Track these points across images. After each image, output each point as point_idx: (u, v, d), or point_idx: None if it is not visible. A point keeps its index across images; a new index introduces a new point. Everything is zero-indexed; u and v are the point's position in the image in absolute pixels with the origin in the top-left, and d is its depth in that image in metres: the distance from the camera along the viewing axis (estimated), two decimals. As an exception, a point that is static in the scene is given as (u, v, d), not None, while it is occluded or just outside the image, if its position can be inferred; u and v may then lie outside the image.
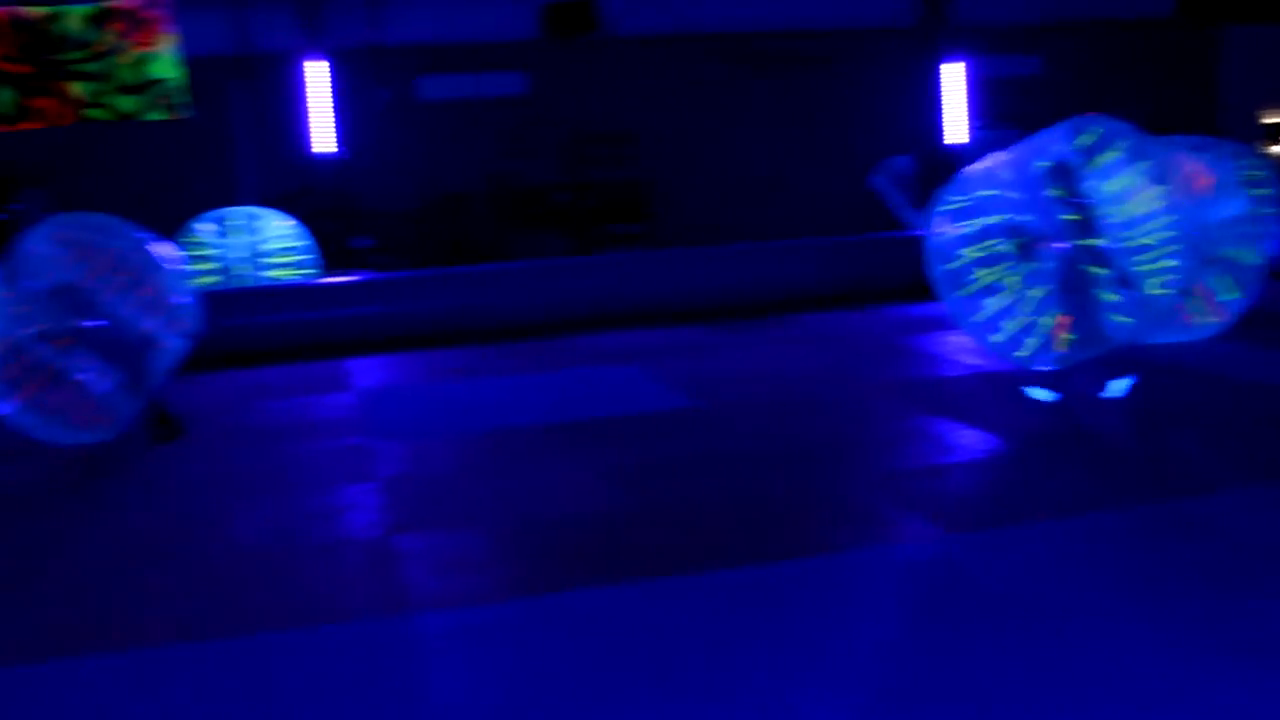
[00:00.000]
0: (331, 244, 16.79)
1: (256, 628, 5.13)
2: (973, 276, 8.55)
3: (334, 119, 17.79)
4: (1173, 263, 7.78)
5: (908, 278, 14.80)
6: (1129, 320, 7.96)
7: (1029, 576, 5.11)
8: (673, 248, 16.19)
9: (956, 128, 18.33)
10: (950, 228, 8.67)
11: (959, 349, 10.75)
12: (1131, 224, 7.89)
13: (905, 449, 7.56)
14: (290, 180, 18.27)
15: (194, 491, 7.68)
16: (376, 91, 18.52)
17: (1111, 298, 7.98)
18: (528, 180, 19.91)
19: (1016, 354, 8.45)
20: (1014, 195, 8.34)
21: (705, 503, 6.61)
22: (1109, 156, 8.01)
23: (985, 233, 8.51)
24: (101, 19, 16.99)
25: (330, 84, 17.77)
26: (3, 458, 8.79)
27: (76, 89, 17.11)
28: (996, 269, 8.49)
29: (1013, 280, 8.43)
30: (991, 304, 8.51)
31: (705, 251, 15.05)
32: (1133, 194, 7.89)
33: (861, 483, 6.76)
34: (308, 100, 17.65)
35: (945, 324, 12.20)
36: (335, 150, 17.85)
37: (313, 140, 17.71)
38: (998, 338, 8.53)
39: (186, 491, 7.71)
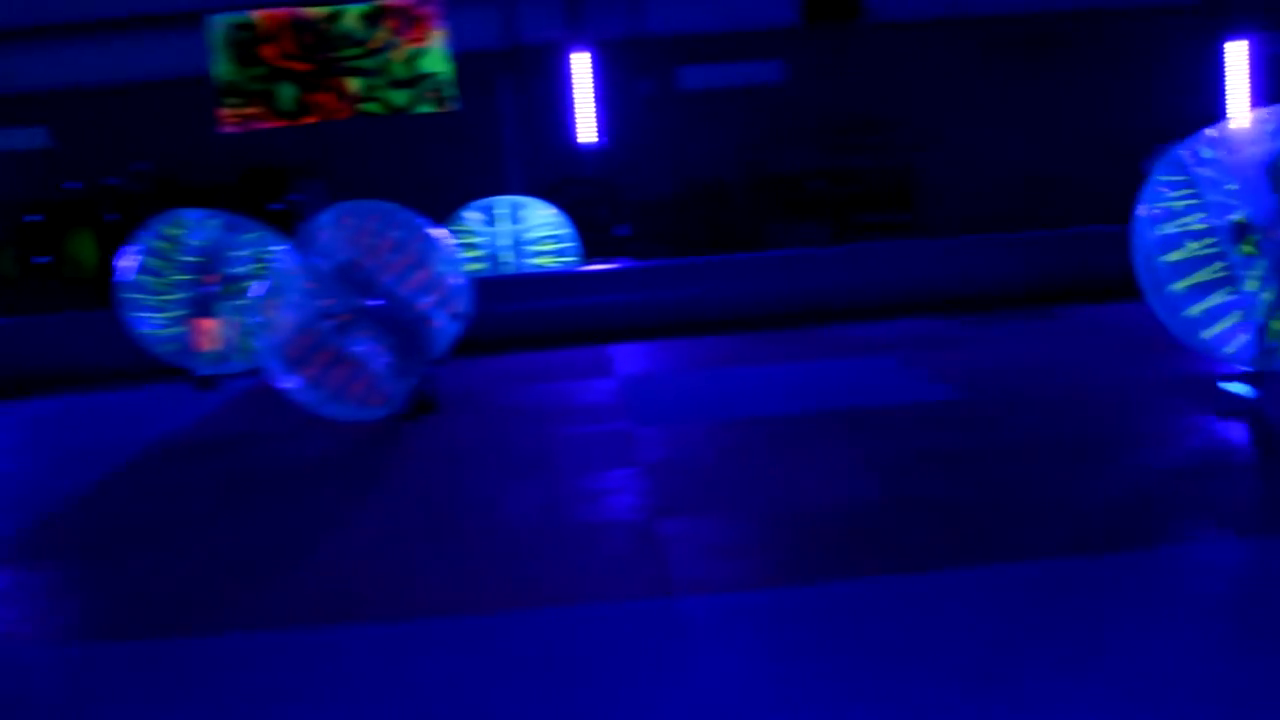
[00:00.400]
0: (592, 232, 17.09)
1: (522, 604, 5.27)
2: (1188, 271, 7.97)
3: (596, 109, 18.12)
4: None
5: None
6: None
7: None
8: (930, 237, 15.89)
9: (1238, 111, 17.43)
10: (1166, 220, 8.10)
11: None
12: None
13: (1182, 447, 7.22)
14: (554, 170, 18.68)
15: (464, 469, 7.92)
16: (638, 82, 18.73)
17: None
18: (785, 168, 19.84)
19: (1226, 350, 7.94)
20: (1234, 185, 7.78)
21: (969, 497, 6.46)
22: None
23: (1208, 228, 7.90)
24: (377, 17, 17.71)
25: (593, 75, 18.10)
26: (282, 434, 9.23)
27: (352, 84, 17.88)
28: (1216, 266, 7.91)
29: (1232, 276, 7.84)
30: (1209, 301, 7.94)
31: (962, 241, 14.71)
32: None
33: (1135, 481, 6.50)
34: (572, 91, 18.02)
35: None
36: (597, 140, 18.18)
37: (576, 130, 18.08)
38: (1209, 334, 7.98)
39: (457, 469, 7.96)
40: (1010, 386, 9.29)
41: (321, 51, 17.83)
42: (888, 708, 4.02)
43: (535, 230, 15.68)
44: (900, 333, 12.38)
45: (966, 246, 14.43)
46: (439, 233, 9.54)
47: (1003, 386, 9.29)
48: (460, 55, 17.65)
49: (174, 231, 11.67)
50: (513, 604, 5.26)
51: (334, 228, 9.22)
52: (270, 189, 18.67)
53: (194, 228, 11.68)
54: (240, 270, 11.43)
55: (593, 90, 18.28)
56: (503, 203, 15.91)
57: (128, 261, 11.58)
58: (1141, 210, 8.24)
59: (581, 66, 18.16)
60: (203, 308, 11.51)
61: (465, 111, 17.92)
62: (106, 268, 18.75)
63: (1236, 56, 17.41)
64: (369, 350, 9.12)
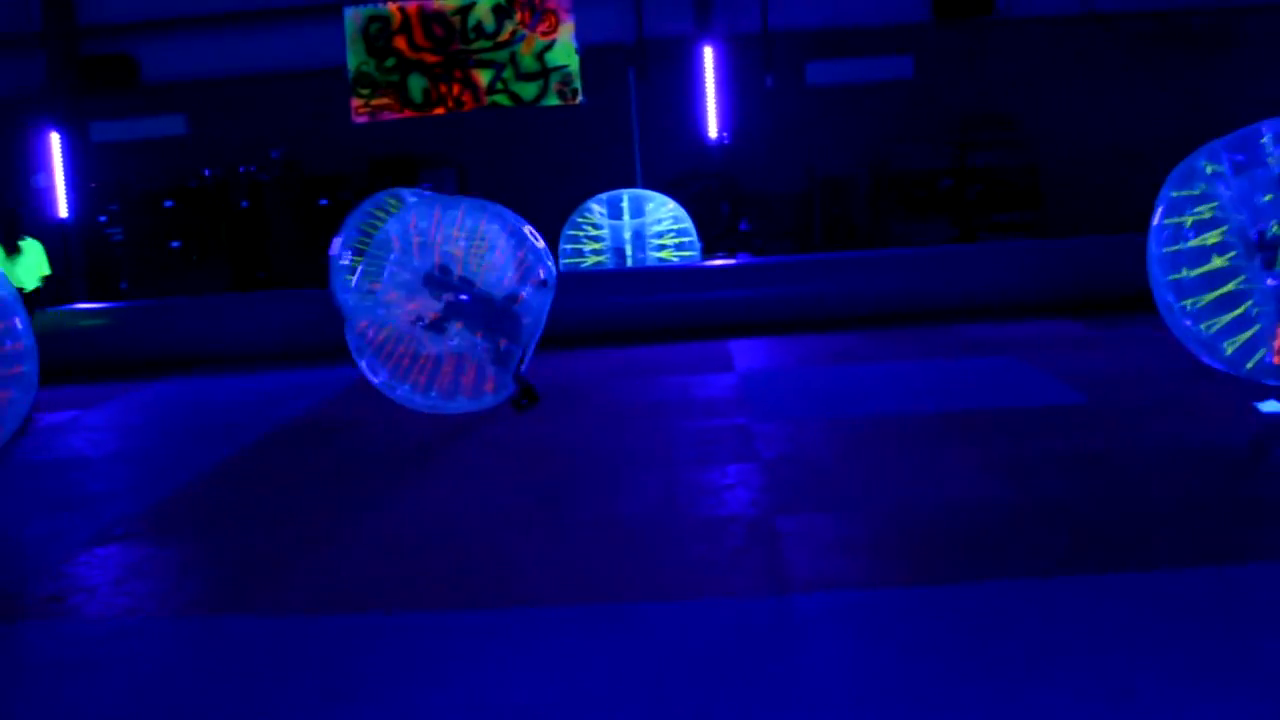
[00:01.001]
0: (715, 227, 17.09)
1: (638, 596, 5.29)
2: (1208, 285, 7.79)
3: (722, 104, 18.12)
4: None
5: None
6: None
7: None
8: (1058, 237, 15.61)
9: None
10: (1184, 233, 7.88)
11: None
12: None
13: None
14: (679, 164, 18.70)
15: (585, 460, 7.99)
16: (765, 77, 18.67)
17: None
18: (911, 165, 19.63)
19: (1247, 366, 7.75)
20: (1268, 198, 7.63)
21: (1093, 501, 6.35)
22: None
23: (1224, 242, 7.75)
24: (507, 9, 17.87)
25: (720, 69, 18.09)
26: (387, 421, 9.36)
27: (481, 77, 18.07)
28: (1237, 280, 7.74)
29: (1250, 291, 7.71)
30: (1230, 315, 7.75)
31: (1090, 241, 14.43)
32: None
33: (1268, 490, 6.34)
34: (699, 85, 18.04)
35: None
36: (722, 135, 18.17)
37: (702, 125, 18.10)
38: (1230, 347, 7.77)
39: (576, 459, 8.03)
40: (1136, 391, 9.10)
41: (452, 43, 18.05)
42: (1003, 712, 3.98)
43: (658, 224, 15.72)
44: (1027, 334, 12.19)
45: (1094, 247, 14.15)
46: (497, 207, 9.35)
47: (1128, 391, 9.10)
48: (588, 49, 17.76)
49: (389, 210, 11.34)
50: (626, 597, 5.29)
51: (405, 234, 9.21)
52: (398, 179, 18.95)
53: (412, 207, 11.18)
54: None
55: (719, 85, 18.27)
56: (626, 196, 15.97)
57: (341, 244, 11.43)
58: (1156, 222, 8.00)
59: (708, 61, 18.16)
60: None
61: (592, 105, 18.03)
62: (241, 254, 19.24)
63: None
64: (467, 343, 9.20)
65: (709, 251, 16.12)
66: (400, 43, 18.06)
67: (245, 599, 5.60)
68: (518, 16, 17.82)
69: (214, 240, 19.25)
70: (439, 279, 9.17)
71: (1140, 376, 9.62)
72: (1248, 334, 7.72)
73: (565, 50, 17.82)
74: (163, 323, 14.22)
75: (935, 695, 4.13)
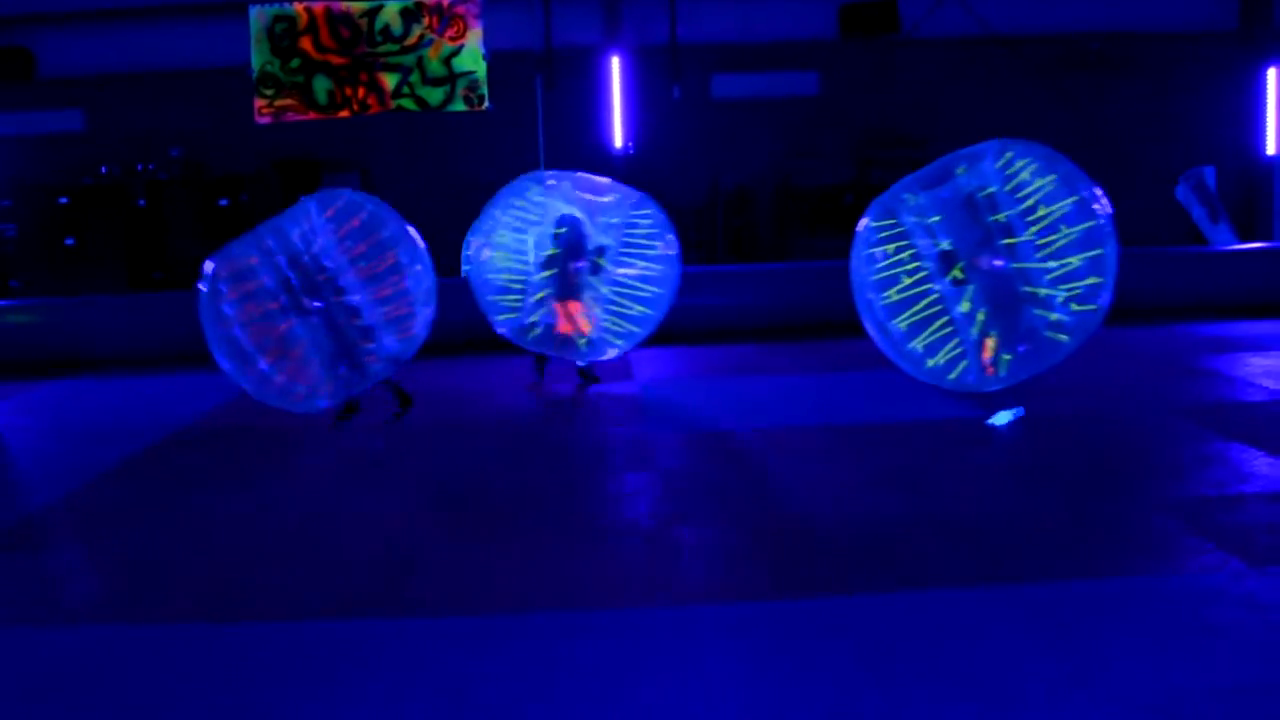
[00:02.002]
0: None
1: (533, 606, 5.28)
2: (907, 307, 8.47)
3: (628, 115, 18.15)
4: (1096, 279, 7.98)
5: (1205, 295, 14.20)
6: (1066, 338, 8.10)
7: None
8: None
9: (1268, 137, 17.47)
10: (876, 254, 8.57)
11: (1259, 372, 10.19)
12: (1052, 244, 8.10)
13: (1198, 475, 7.16)
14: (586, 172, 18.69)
15: (483, 468, 7.95)
16: (671, 89, 18.74)
17: (1053, 317, 8.09)
18: (814, 180, 19.81)
19: (950, 378, 8.41)
20: (936, 219, 8.36)
21: (983, 515, 6.46)
22: (1028, 177, 8.22)
23: (916, 258, 8.44)
24: (415, 13, 17.73)
25: (627, 80, 18.13)
26: (278, 430, 9.26)
27: (387, 80, 17.92)
28: (930, 299, 8.41)
29: (945, 306, 8.38)
30: (928, 332, 8.42)
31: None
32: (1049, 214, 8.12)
33: (1151, 506, 6.47)
34: (605, 95, 18.06)
35: (1243, 345, 11.63)
36: (627, 145, 18.21)
37: (607, 134, 18.12)
38: (932, 363, 8.43)
39: (473, 468, 7.99)
40: (1031, 406, 9.24)
41: (358, 46, 17.88)
42: (892, 724, 4.03)
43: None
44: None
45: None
46: (422, 249, 9.15)
47: (1024, 406, 9.25)
48: (496, 55, 17.67)
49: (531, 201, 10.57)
50: (520, 607, 5.27)
51: (318, 216, 9.03)
52: (301, 181, 18.74)
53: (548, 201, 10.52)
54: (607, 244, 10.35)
55: (625, 95, 18.30)
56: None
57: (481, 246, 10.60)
58: (857, 252, 8.65)
59: (615, 71, 18.19)
60: (568, 290, 10.35)
61: (498, 112, 17.95)
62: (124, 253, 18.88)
63: (1274, 84, 17.36)
64: (310, 347, 9.00)
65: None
66: (306, 43, 17.82)
67: (129, 607, 5.51)
68: (425, 21, 17.68)
69: (110, 239, 18.87)
70: (315, 278, 8.98)
71: (1035, 392, 9.77)
72: (949, 348, 8.37)
73: (473, 56, 17.70)
74: (54, 322, 13.92)
75: (828, 707, 4.17)
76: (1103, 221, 8.13)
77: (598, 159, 18.39)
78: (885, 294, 8.55)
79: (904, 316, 8.50)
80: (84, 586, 5.94)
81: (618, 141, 18.37)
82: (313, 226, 9.02)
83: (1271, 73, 17.98)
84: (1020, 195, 8.26)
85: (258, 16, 17.73)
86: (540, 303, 10.29)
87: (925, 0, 18.58)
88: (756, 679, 4.43)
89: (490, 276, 10.36)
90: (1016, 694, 4.17)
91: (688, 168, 19.40)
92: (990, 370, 8.36)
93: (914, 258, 8.49)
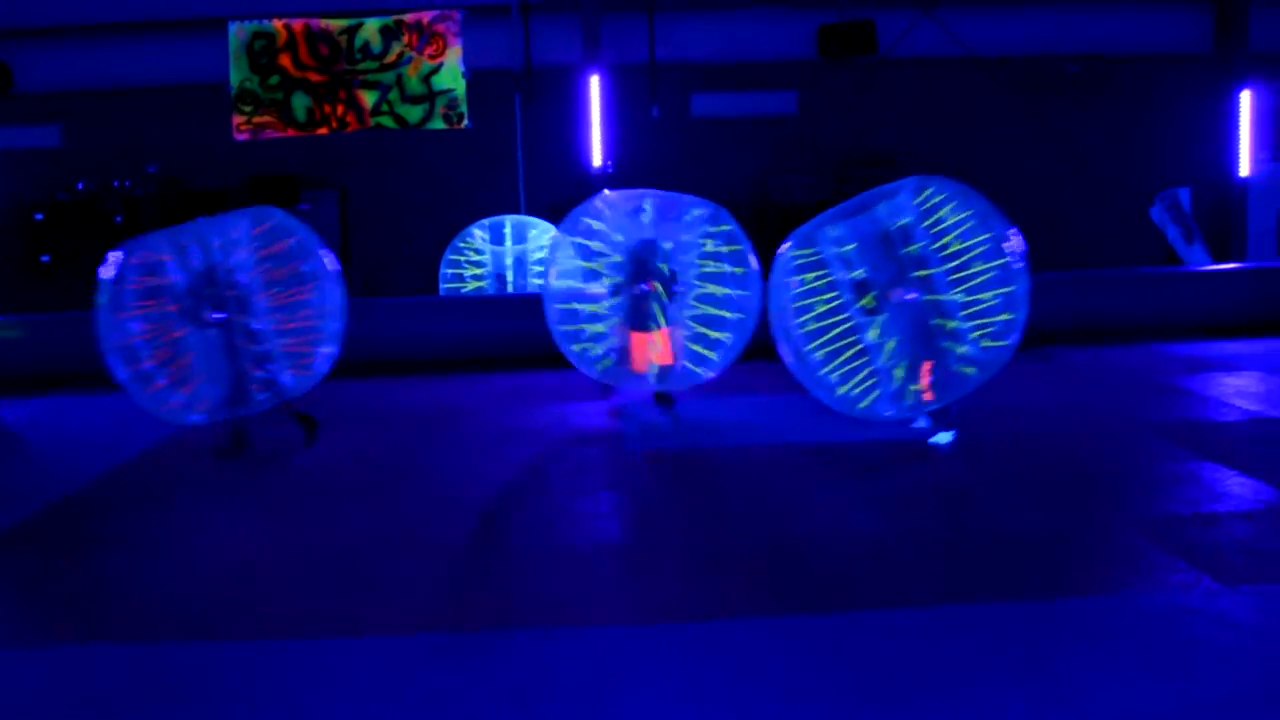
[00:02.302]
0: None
1: (506, 624, 5.27)
2: (817, 332, 8.66)
3: (607, 133, 18.18)
4: (1008, 315, 8.16)
5: (1179, 315, 14.27)
6: (973, 371, 8.31)
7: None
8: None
9: (1242, 158, 17.63)
10: (793, 281, 8.74)
11: (1232, 392, 10.25)
12: (967, 279, 8.31)
13: (1172, 493, 7.21)
14: (563, 191, 18.68)
15: (459, 486, 7.94)
16: (650, 107, 18.78)
17: (961, 349, 8.30)
18: (791, 199, 19.85)
19: (862, 405, 8.61)
20: (851, 248, 8.59)
21: (960, 534, 6.48)
22: (946, 213, 8.44)
23: (832, 288, 8.65)
24: (395, 31, 17.75)
25: (606, 99, 18.16)
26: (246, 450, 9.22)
27: (366, 98, 17.91)
28: (843, 325, 8.62)
29: (858, 334, 8.58)
30: (842, 359, 8.61)
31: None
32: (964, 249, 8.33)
33: (1125, 525, 6.50)
34: (585, 114, 18.08)
35: (1217, 365, 11.69)
36: (606, 164, 18.23)
37: (586, 153, 18.14)
38: (845, 390, 8.62)
39: (450, 486, 7.97)
40: (1001, 425, 9.30)
41: (337, 63, 17.88)
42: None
43: (539, 251, 15.69)
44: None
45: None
46: (338, 289, 8.89)
47: (998, 426, 9.29)
48: (475, 73, 17.70)
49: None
50: (494, 624, 5.26)
51: (243, 231, 8.87)
52: (278, 198, 18.69)
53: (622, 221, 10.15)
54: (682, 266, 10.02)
55: (605, 114, 18.33)
56: (509, 222, 15.94)
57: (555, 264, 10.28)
58: (775, 279, 8.82)
59: (595, 90, 18.22)
60: (640, 316, 9.98)
61: (477, 130, 17.96)
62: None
63: (1247, 106, 17.52)
64: (199, 359, 8.83)
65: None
66: (285, 60, 17.83)
67: (94, 627, 5.48)
68: (405, 39, 17.70)
69: (86, 255, 18.76)
70: (217, 291, 8.84)
71: (1010, 412, 9.82)
72: (861, 377, 8.59)
73: (452, 74, 17.74)
74: (30, 339, 13.84)
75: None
76: (1011, 259, 8.23)
77: (577, 177, 18.43)
78: (802, 321, 8.70)
79: (819, 343, 8.67)
80: (46, 607, 5.91)
81: (597, 160, 18.39)
82: (235, 240, 8.86)
83: (1245, 95, 18.14)
84: (936, 230, 8.44)
85: (237, 33, 17.73)
86: (609, 333, 10.06)
87: (903, 21, 18.68)
88: (731, 697, 4.43)
89: (559, 307, 10.08)
90: (995, 711, 4.18)
91: (666, 186, 19.29)
92: (929, 395, 8.52)
93: (830, 286, 8.67)
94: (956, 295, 8.34)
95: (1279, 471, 7.45)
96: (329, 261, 8.92)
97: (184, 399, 8.79)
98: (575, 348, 10.07)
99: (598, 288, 10.03)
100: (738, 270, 9.81)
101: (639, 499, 7.42)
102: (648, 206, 10.05)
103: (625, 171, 18.51)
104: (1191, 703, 4.22)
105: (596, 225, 10.06)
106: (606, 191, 10.38)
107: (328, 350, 8.90)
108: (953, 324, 8.35)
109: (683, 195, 10.13)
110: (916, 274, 8.42)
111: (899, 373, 8.52)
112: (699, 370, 9.89)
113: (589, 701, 4.42)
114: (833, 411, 8.72)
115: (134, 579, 6.18)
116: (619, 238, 9.99)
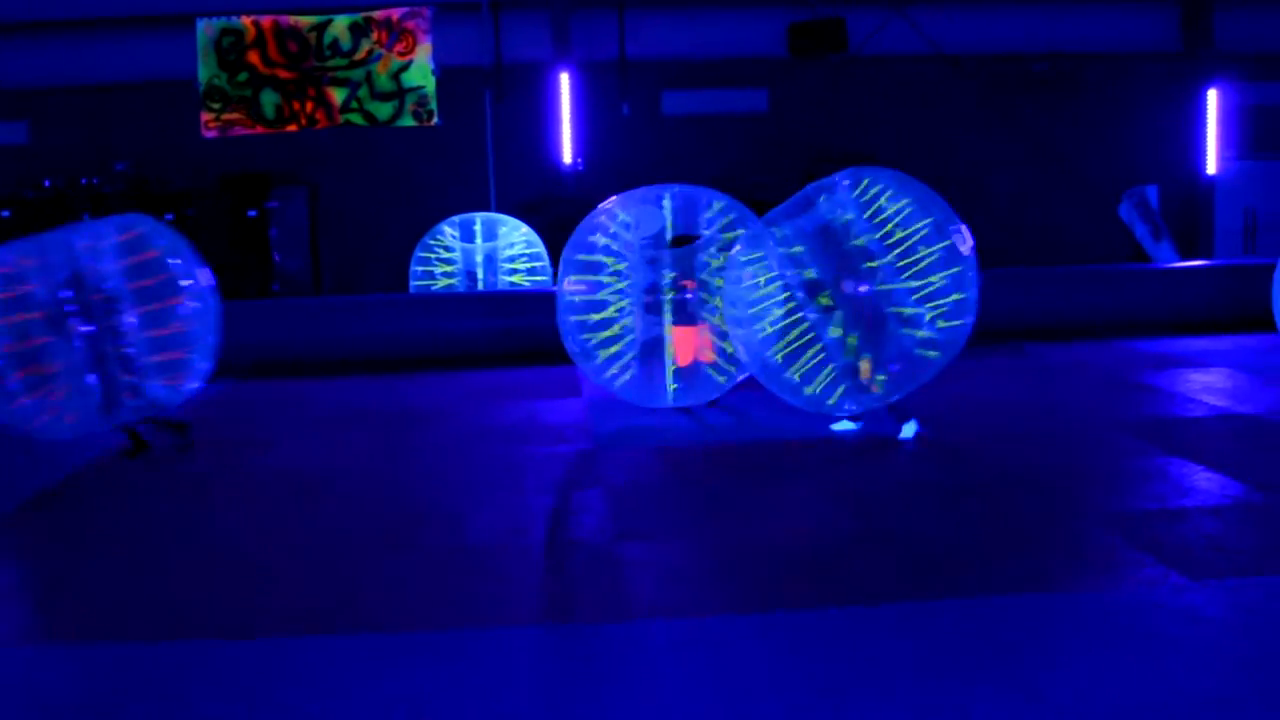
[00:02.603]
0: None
1: (482, 623, 5.26)
2: (776, 333, 8.80)
3: (578, 130, 18.17)
4: (960, 295, 8.26)
5: (1146, 311, 14.37)
6: (936, 355, 8.41)
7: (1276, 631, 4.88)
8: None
9: (1209, 156, 17.77)
10: (747, 286, 8.86)
11: (1199, 388, 10.32)
12: (914, 265, 8.39)
13: (1140, 489, 7.25)
14: (533, 188, 18.67)
15: (432, 485, 7.92)
16: (621, 104, 18.78)
17: (921, 334, 8.40)
18: (762, 196, 19.86)
19: (829, 403, 8.72)
20: (799, 249, 8.67)
21: (930, 531, 6.50)
22: (885, 203, 8.46)
23: (786, 288, 8.77)
24: (364, 28, 17.70)
25: (576, 96, 18.15)
26: (224, 450, 9.18)
27: (336, 95, 17.85)
28: (802, 327, 8.73)
29: (816, 332, 8.69)
30: (802, 360, 8.72)
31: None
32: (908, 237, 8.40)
33: (1093, 521, 6.53)
34: (555, 111, 18.07)
35: (1185, 361, 11.77)
36: (576, 161, 18.22)
37: (557, 150, 18.13)
38: (810, 390, 8.73)
39: (423, 485, 7.96)
40: (976, 423, 9.34)
41: (306, 60, 17.81)
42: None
43: (510, 248, 15.68)
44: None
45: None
46: (213, 300, 8.76)
47: (968, 423, 9.34)
48: (445, 70, 17.65)
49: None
50: (470, 623, 5.25)
51: (111, 238, 8.74)
52: (248, 195, 18.63)
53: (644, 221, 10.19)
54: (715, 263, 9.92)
55: (575, 111, 18.33)
56: (479, 219, 15.91)
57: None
58: (728, 287, 8.99)
59: (565, 87, 18.21)
60: (682, 315, 9.94)
61: (447, 127, 17.92)
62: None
63: (1214, 104, 17.67)
64: (65, 370, 8.69)
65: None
66: (254, 57, 17.75)
67: (67, 627, 5.44)
68: (374, 35, 17.65)
69: (53, 253, 18.65)
70: (87, 297, 8.71)
71: (980, 408, 9.88)
72: (825, 374, 8.69)
73: (422, 71, 17.69)
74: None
75: (768, 722, 4.18)
76: (956, 240, 8.30)
77: (547, 174, 18.43)
78: (760, 325, 8.82)
79: (779, 347, 8.78)
80: (18, 607, 5.87)
81: (567, 157, 18.39)
82: (102, 247, 8.72)
83: (1212, 93, 18.30)
84: (878, 220, 8.49)
85: (205, 30, 17.64)
86: (629, 332, 9.91)
87: (873, 19, 18.73)
88: (705, 694, 4.43)
89: (575, 319, 9.86)
90: (963, 709, 4.19)
91: (637, 183, 19.32)
92: (874, 389, 8.63)
93: (784, 288, 8.77)
94: (907, 281, 8.42)
95: (1245, 467, 7.51)
96: (201, 273, 8.79)
97: (50, 413, 8.60)
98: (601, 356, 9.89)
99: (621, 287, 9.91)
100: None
101: (609, 496, 7.41)
102: (676, 204, 10.40)
103: (596, 169, 18.52)
104: (1159, 698, 4.24)
105: (627, 222, 10.32)
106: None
107: (202, 365, 8.80)
108: (908, 311, 8.43)
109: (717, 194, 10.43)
110: (865, 265, 8.50)
111: (864, 366, 8.61)
112: (729, 369, 9.88)
113: (564, 698, 4.42)
114: (798, 409, 8.79)
115: (97, 579, 6.14)
116: (650, 235, 10.13)
